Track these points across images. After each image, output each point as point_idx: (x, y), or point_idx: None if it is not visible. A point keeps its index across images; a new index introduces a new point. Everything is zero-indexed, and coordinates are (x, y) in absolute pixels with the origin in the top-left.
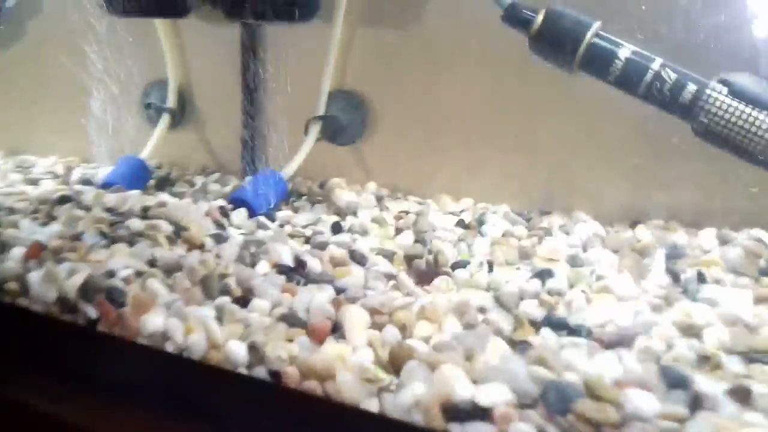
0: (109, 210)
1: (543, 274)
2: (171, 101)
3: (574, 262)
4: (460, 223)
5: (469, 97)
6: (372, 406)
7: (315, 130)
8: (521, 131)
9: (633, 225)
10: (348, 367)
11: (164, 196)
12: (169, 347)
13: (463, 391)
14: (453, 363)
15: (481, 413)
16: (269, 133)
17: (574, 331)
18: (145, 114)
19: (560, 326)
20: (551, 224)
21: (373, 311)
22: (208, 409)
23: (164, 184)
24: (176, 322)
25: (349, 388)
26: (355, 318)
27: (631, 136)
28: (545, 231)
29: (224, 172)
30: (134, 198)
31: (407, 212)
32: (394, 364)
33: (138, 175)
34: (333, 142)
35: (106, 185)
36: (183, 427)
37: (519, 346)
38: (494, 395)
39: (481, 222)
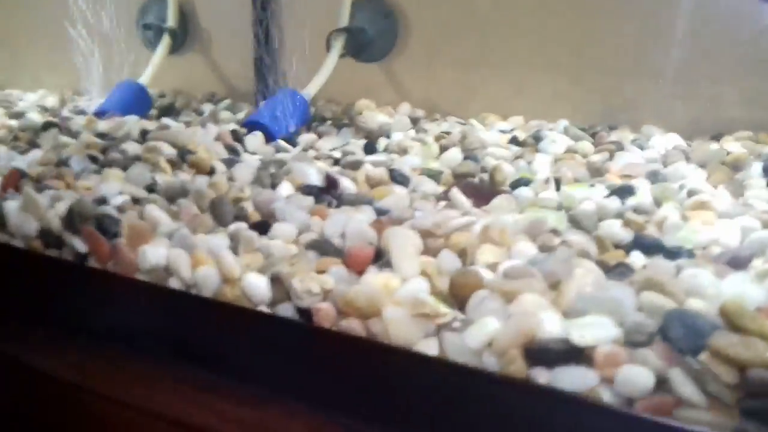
0: (102, 135)
1: (622, 191)
2: (171, 20)
3: (655, 178)
4: (514, 140)
5: (516, 3)
6: (430, 347)
7: (338, 45)
8: (576, 40)
9: (716, 138)
10: (397, 300)
11: (167, 121)
12: (174, 283)
13: (552, 326)
14: (534, 292)
15: (577, 354)
16: (286, 52)
17: (672, 253)
18: (142, 36)
19: (654, 248)
20: (621, 139)
21: (425, 233)
22: (224, 357)
23: (168, 113)
24: (181, 253)
25: (399, 326)
26: (403, 242)
27: (704, 42)
28: (616, 145)
29: (236, 98)
30: (132, 123)
31: (449, 133)
32: (457, 295)
33: (137, 102)
34: (359, 59)
35: (101, 113)
36: (195, 379)
37: (615, 269)
38: (594, 331)
39: (537, 138)
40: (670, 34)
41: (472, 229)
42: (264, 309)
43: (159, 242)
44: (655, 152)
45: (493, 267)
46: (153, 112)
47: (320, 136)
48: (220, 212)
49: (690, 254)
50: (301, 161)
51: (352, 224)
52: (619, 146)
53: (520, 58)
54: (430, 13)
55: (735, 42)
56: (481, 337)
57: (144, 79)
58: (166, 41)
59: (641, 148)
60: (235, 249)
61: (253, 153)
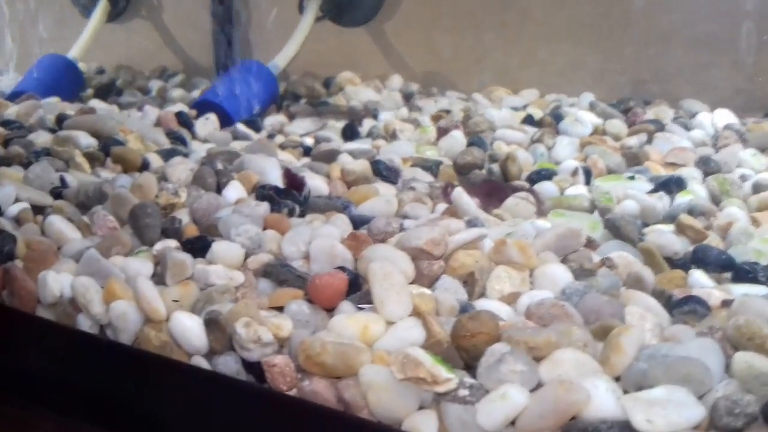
0: (6, 123)
1: (670, 185)
2: None
3: (707, 166)
4: (529, 120)
5: None
6: (425, 425)
7: (313, 6)
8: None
9: None
10: (380, 355)
11: (95, 103)
12: (83, 323)
13: (605, 403)
14: (574, 346)
15: None
16: (251, 16)
17: (744, 272)
18: (74, 1)
19: (721, 265)
20: (660, 116)
21: (419, 253)
22: (148, 423)
23: (107, 92)
24: (90, 281)
25: (382, 394)
26: (388, 267)
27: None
28: (655, 125)
29: (191, 73)
30: (49, 107)
31: (448, 111)
32: (464, 348)
33: (63, 80)
34: (340, 22)
35: (17, 95)
36: None
37: (682, 307)
38: (668, 412)
39: (557, 117)
40: None
41: (482, 245)
42: (199, 362)
43: (64, 266)
44: (702, 133)
45: (511, 300)
46: (89, 91)
47: (292, 117)
48: (143, 225)
49: (767, 273)
50: (258, 152)
51: (318, 241)
52: (659, 126)
53: (532, 17)
54: None
55: None
56: (500, 413)
57: (75, 53)
58: (102, 6)
59: (686, 128)
60: (161, 276)
61: (205, 141)
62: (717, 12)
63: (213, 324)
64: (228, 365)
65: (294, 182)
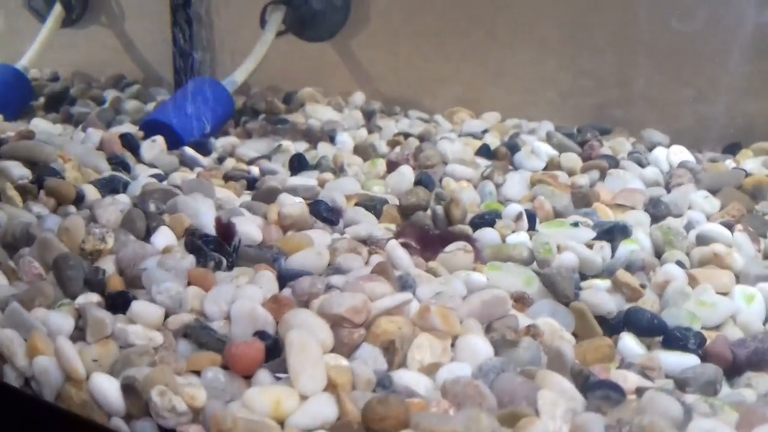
0: None
1: (613, 233)
2: None
3: (656, 209)
4: (484, 150)
5: None
6: None
7: (275, 19)
8: (566, 20)
9: (731, 150)
10: None
11: (37, 123)
12: (9, 374)
13: None
14: None
15: None
16: (214, 24)
17: (675, 339)
18: (28, 6)
19: (652, 330)
20: (616, 149)
21: (340, 320)
22: None
23: (59, 102)
24: (14, 334)
25: None
26: (305, 337)
27: (725, 22)
28: (609, 161)
29: (149, 83)
30: None
31: (407, 135)
32: (372, 429)
33: (10, 92)
34: (303, 37)
35: None
36: None
37: (598, 390)
38: None
39: (513, 147)
40: (682, 15)
41: (407, 309)
42: (119, 423)
43: None
44: (656, 171)
45: (431, 370)
46: (40, 100)
47: (249, 135)
48: (65, 277)
49: (698, 341)
50: (195, 191)
51: (239, 303)
52: (613, 162)
53: (497, 38)
54: None
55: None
56: None
57: (25, 61)
58: (56, 13)
59: (640, 164)
60: (83, 331)
61: (151, 165)
62: (679, 41)
63: (129, 389)
64: (146, 430)
65: (224, 231)
